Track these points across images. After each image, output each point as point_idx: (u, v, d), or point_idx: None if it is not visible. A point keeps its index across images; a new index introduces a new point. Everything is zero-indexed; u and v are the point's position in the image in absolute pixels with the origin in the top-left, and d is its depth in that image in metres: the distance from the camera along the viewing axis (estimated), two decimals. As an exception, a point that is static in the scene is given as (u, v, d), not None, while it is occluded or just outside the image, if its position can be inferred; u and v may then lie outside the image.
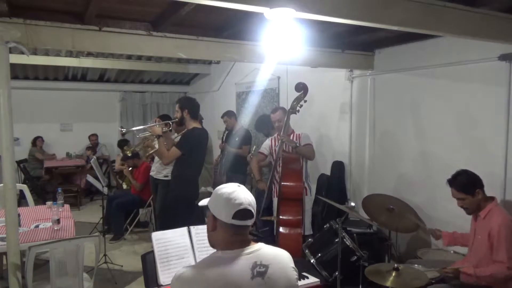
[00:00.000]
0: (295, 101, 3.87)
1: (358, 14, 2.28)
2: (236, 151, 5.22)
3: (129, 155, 5.40)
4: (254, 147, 5.12)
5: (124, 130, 4.25)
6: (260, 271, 1.42)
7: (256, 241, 1.54)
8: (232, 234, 1.45)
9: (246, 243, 1.47)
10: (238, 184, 1.52)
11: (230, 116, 5.52)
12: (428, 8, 2.45)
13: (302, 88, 3.87)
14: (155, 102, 9.10)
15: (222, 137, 5.69)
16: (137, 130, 4.30)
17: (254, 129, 5.28)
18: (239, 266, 1.41)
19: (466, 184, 2.67)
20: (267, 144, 4.31)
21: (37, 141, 7.98)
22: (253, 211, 1.46)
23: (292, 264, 1.54)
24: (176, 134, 4.42)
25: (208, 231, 1.52)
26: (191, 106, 3.78)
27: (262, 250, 1.48)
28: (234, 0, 2.00)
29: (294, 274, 1.52)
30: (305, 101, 3.88)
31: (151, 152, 4.18)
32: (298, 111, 3.89)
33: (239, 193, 1.46)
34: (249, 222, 1.46)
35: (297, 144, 3.92)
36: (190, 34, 3.50)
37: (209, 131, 4.16)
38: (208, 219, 1.52)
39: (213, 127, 6.75)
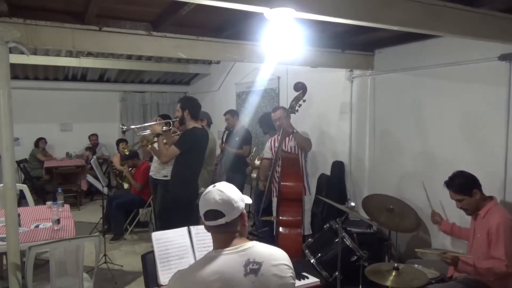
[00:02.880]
0: (294, 101, 3.86)
1: (358, 14, 2.28)
2: (236, 151, 5.22)
3: (127, 153, 5.40)
4: (255, 149, 5.11)
5: (124, 127, 4.26)
6: (253, 268, 1.42)
7: (252, 240, 1.54)
8: (215, 234, 1.50)
9: (238, 241, 1.49)
10: (215, 184, 1.54)
11: (233, 114, 5.52)
12: (428, 8, 2.45)
13: (301, 88, 3.86)
14: (155, 102, 9.10)
15: (222, 137, 5.69)
16: (137, 128, 4.32)
17: (258, 123, 5.28)
18: (232, 264, 1.42)
19: (463, 185, 2.69)
20: (268, 147, 4.30)
21: (39, 142, 7.98)
22: (221, 210, 1.46)
23: (287, 262, 1.52)
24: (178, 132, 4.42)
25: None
26: (192, 106, 3.78)
27: (255, 248, 1.49)
28: (234, 0, 2.00)
29: (289, 272, 1.51)
30: (304, 101, 3.87)
31: (149, 147, 4.18)
32: (297, 110, 3.89)
33: (210, 194, 1.49)
34: (221, 221, 1.46)
35: (295, 130, 3.91)
36: (190, 34, 3.50)
37: (209, 131, 4.16)
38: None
39: (213, 127, 6.74)
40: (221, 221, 1.46)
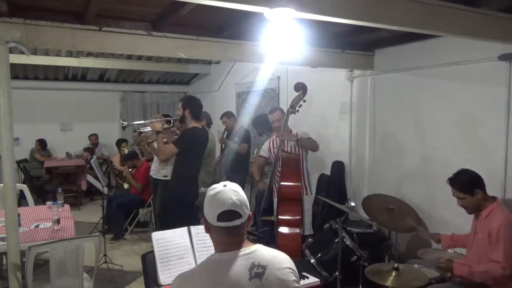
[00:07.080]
0: (294, 101, 3.87)
1: (358, 14, 2.28)
2: (236, 147, 5.22)
3: (126, 152, 5.41)
4: (256, 150, 5.11)
5: (125, 123, 4.26)
6: (258, 272, 1.41)
7: (255, 241, 1.53)
8: (225, 236, 1.44)
9: (244, 244, 1.46)
10: (224, 183, 1.48)
11: (229, 116, 5.53)
12: (428, 8, 2.45)
13: (301, 88, 3.86)
14: (155, 102, 9.11)
15: (222, 136, 5.69)
16: (137, 124, 4.32)
17: (251, 124, 5.27)
18: (237, 267, 1.40)
19: (466, 184, 2.68)
20: (265, 147, 4.31)
21: (36, 143, 7.97)
22: (239, 211, 1.42)
23: (291, 266, 1.51)
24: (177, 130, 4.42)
25: (206, 232, 1.52)
26: (193, 106, 3.79)
27: (260, 251, 1.47)
28: (234, 0, 2.00)
29: (293, 276, 1.49)
30: (304, 101, 3.87)
31: (148, 142, 4.18)
32: (298, 111, 3.89)
33: (223, 194, 1.42)
34: (237, 222, 1.43)
35: (298, 137, 3.92)
36: (190, 34, 3.50)
37: (209, 131, 4.16)
38: (203, 220, 1.52)
39: (213, 127, 6.75)
40: (237, 222, 1.42)
